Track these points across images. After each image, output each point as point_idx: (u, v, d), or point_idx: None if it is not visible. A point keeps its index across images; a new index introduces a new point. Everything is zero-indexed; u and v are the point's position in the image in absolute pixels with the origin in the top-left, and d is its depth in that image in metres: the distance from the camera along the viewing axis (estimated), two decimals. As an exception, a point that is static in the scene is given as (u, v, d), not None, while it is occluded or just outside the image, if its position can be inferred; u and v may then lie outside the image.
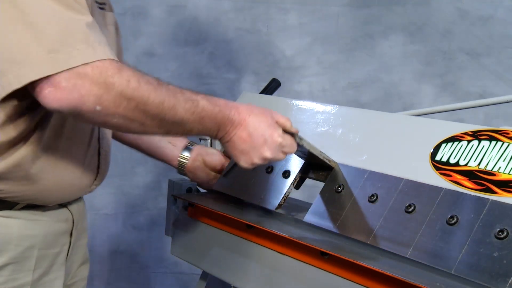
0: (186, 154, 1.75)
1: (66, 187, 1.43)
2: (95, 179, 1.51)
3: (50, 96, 1.12)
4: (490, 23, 2.89)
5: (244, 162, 1.33)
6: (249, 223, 1.46)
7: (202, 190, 1.81)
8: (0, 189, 1.32)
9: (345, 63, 3.02)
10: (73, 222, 1.53)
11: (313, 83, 3.05)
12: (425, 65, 2.97)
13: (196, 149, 1.76)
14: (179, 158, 1.75)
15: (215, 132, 1.31)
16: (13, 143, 1.29)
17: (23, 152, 1.31)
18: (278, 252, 1.40)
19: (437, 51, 2.95)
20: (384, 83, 3.01)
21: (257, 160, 1.32)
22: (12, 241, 1.37)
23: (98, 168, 1.51)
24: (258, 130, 1.30)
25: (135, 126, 1.21)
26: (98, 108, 1.14)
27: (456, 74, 2.94)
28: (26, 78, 1.13)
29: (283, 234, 1.36)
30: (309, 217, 1.40)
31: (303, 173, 1.51)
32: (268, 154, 1.31)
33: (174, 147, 1.75)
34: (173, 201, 1.77)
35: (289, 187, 1.50)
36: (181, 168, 1.77)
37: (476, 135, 1.26)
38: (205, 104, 1.26)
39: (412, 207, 1.25)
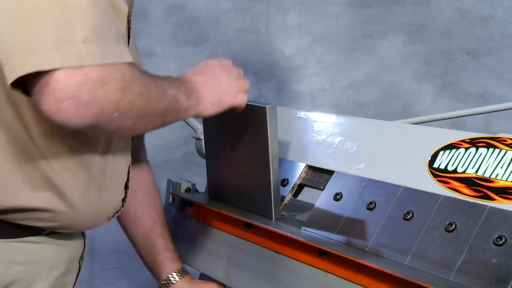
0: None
1: (102, 215, 1.36)
2: (118, 211, 1.43)
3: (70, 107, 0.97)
4: (490, 23, 2.89)
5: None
6: (247, 221, 1.45)
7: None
8: (40, 218, 1.22)
9: (345, 63, 3.02)
10: (84, 246, 1.44)
11: (313, 83, 3.05)
12: (425, 65, 2.98)
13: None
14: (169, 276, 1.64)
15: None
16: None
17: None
18: (277, 252, 1.40)
19: (437, 51, 2.95)
20: (384, 83, 3.01)
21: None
22: (45, 269, 1.28)
23: (123, 200, 1.42)
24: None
25: (142, 125, 1.12)
26: (115, 115, 1.03)
27: (456, 74, 2.94)
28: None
29: (282, 232, 1.36)
30: (307, 226, 1.40)
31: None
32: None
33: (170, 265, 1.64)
34: (172, 201, 1.77)
35: (287, 195, 1.50)
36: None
37: (474, 143, 1.26)
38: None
39: (410, 215, 1.24)
